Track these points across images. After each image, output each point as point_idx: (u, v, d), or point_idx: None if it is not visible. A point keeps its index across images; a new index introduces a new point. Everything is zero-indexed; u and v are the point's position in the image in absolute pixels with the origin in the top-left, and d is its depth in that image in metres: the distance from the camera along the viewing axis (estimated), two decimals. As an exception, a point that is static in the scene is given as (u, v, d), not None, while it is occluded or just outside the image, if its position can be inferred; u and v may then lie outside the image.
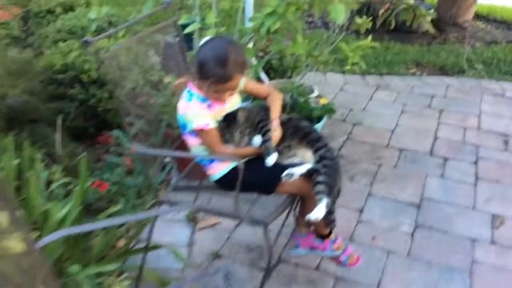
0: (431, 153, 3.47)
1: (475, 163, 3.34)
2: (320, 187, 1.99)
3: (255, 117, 2.07)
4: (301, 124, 2.16)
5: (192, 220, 2.66)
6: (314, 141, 2.09)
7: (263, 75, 3.80)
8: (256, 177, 2.02)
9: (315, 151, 2.07)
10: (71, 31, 3.80)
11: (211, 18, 2.62)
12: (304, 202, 2.18)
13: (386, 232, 2.71)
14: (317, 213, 1.95)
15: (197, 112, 1.98)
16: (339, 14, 2.32)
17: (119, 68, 2.10)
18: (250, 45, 3.48)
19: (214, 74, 1.91)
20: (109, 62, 1.91)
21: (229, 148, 2.03)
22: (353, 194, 3.02)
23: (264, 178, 2.05)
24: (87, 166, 2.19)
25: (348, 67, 3.14)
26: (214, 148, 2.03)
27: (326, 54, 3.22)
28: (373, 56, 5.01)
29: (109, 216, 2.44)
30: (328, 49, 3.34)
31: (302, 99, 3.01)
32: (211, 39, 2.00)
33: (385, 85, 4.57)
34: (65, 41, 3.65)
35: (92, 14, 2.78)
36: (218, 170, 2.10)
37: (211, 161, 2.10)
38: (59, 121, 3.04)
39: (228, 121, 2.03)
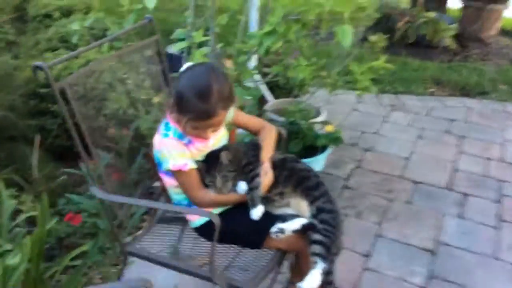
0: (449, 187, 3.12)
1: (498, 201, 2.99)
2: (316, 248, 1.67)
3: (242, 158, 1.76)
4: (297, 167, 1.83)
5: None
6: (311, 189, 1.76)
7: (267, 94, 3.49)
8: (240, 228, 1.72)
9: (312, 202, 1.75)
10: (62, 39, 3.53)
11: (200, 35, 2.31)
12: (298, 258, 1.87)
13: (395, 284, 2.37)
14: (311, 282, 1.63)
15: (174, 150, 1.67)
16: (346, 37, 2.00)
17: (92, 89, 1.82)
18: (253, 62, 3.20)
19: (194, 110, 1.60)
20: (71, 88, 1.63)
21: (210, 194, 1.73)
22: (359, 234, 2.69)
23: (249, 230, 1.73)
24: (46, 207, 1.89)
25: (357, 92, 2.82)
26: (192, 193, 1.73)
27: (335, 74, 2.90)
28: (388, 73, 4.67)
29: (74, 258, 2.16)
30: (338, 68, 3.02)
31: (305, 125, 2.69)
32: (192, 66, 1.69)
33: (401, 106, 4.23)
34: (54, 50, 3.39)
35: (75, 25, 2.49)
36: (196, 217, 1.79)
37: (189, 205, 1.79)
38: (37, 139, 2.77)
39: (210, 162, 1.72)
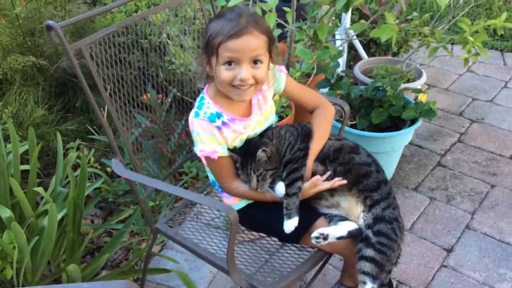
0: None
1: None
2: (366, 266, 1.39)
3: (285, 151, 1.49)
4: (356, 160, 1.50)
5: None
6: (370, 190, 1.46)
7: (361, 51, 3.11)
8: (275, 221, 1.47)
9: (370, 207, 1.45)
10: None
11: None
12: (345, 264, 1.61)
13: (477, 290, 2.02)
14: None
15: (203, 133, 1.44)
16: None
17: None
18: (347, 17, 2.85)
19: (221, 29, 1.35)
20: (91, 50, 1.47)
21: (243, 188, 1.49)
22: (445, 223, 2.32)
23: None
24: (85, 167, 1.80)
25: (464, 56, 2.35)
26: (222, 183, 1.52)
27: (439, 33, 2.45)
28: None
29: (119, 221, 2.10)
30: (444, 25, 2.56)
31: (392, 92, 2.31)
32: None
33: (529, 70, 3.59)
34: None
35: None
36: (230, 202, 1.58)
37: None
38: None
39: (246, 155, 1.46)
